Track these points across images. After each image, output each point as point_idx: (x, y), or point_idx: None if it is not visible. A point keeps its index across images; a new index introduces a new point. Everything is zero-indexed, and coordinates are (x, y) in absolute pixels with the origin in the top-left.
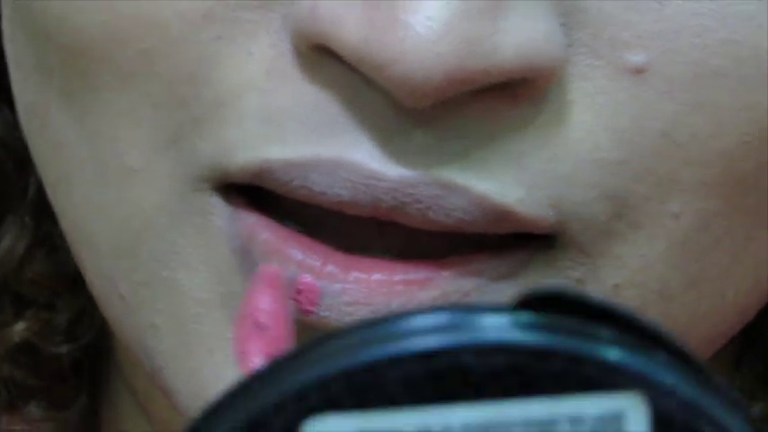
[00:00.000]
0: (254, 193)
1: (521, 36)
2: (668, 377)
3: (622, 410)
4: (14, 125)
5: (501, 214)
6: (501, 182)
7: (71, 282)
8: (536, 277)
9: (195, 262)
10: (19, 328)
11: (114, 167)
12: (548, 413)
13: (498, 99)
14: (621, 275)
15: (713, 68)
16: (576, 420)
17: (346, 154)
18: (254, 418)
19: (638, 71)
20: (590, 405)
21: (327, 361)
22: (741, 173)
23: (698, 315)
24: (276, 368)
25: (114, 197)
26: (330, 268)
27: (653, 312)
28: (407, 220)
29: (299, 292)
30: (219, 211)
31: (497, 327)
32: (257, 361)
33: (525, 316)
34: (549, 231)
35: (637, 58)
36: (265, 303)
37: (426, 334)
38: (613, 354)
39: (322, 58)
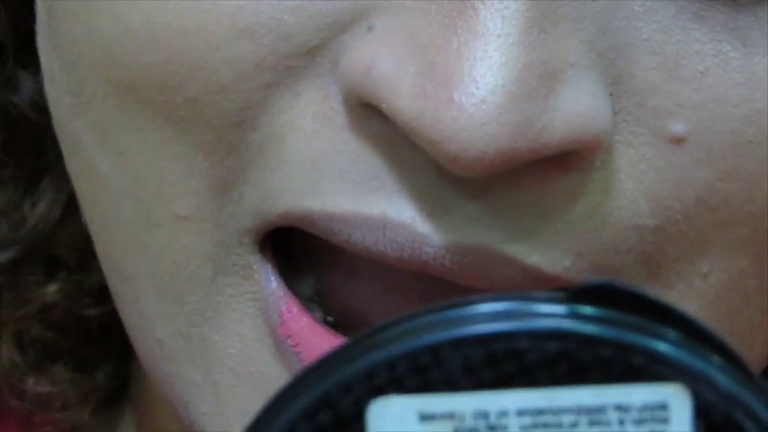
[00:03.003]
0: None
1: (571, 112)
2: (711, 371)
3: (667, 400)
4: None
5: (548, 281)
6: (551, 252)
7: None
8: None
9: (231, 327)
10: (50, 290)
11: (161, 212)
12: (596, 400)
13: (548, 169)
14: None
15: (749, 137)
16: (622, 408)
17: (391, 213)
18: (323, 398)
19: (679, 140)
20: (636, 394)
21: (393, 343)
22: None
23: None
24: (344, 350)
25: (161, 242)
26: None
27: None
28: (453, 287)
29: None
30: (258, 274)
31: (552, 315)
32: None
33: (579, 306)
34: None
35: (678, 127)
36: None
37: (485, 319)
38: (661, 346)
39: (369, 112)
